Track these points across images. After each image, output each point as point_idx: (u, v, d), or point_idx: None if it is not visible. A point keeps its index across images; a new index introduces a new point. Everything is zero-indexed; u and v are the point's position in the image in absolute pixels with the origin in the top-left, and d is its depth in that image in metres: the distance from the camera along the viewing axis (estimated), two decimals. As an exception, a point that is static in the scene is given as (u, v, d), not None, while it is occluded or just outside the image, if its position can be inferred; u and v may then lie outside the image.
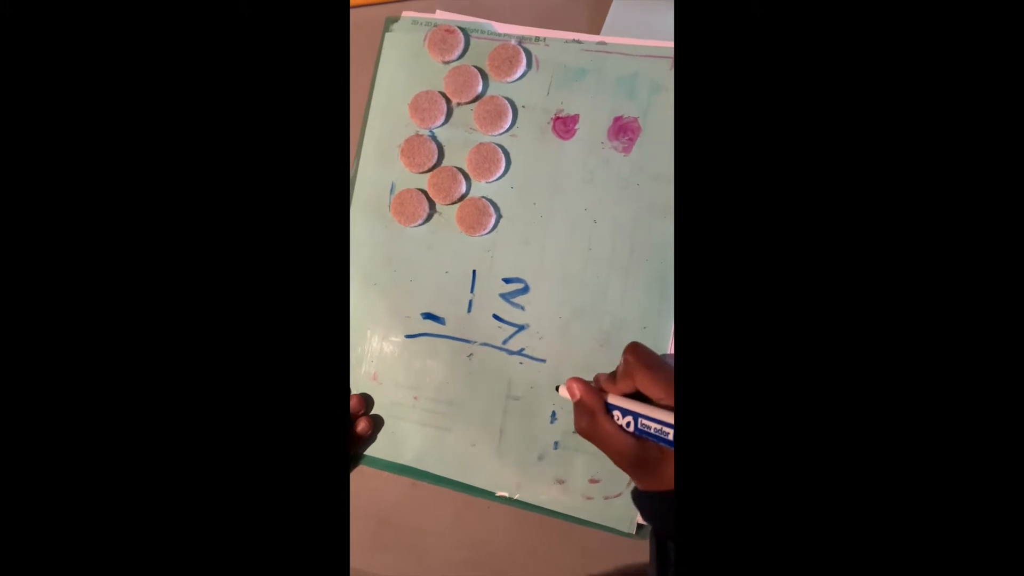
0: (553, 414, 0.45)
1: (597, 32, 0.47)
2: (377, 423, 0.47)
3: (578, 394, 0.38)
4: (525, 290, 0.46)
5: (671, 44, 0.45)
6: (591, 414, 0.37)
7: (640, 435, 0.35)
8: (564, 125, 0.47)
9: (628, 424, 0.36)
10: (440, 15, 0.49)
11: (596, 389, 0.38)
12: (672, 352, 0.44)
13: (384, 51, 0.50)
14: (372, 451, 0.47)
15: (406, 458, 0.47)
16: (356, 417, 0.47)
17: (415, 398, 0.47)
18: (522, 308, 0.46)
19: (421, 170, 0.48)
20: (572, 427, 0.44)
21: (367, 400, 0.48)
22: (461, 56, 0.48)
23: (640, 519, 0.42)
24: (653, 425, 0.34)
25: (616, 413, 0.37)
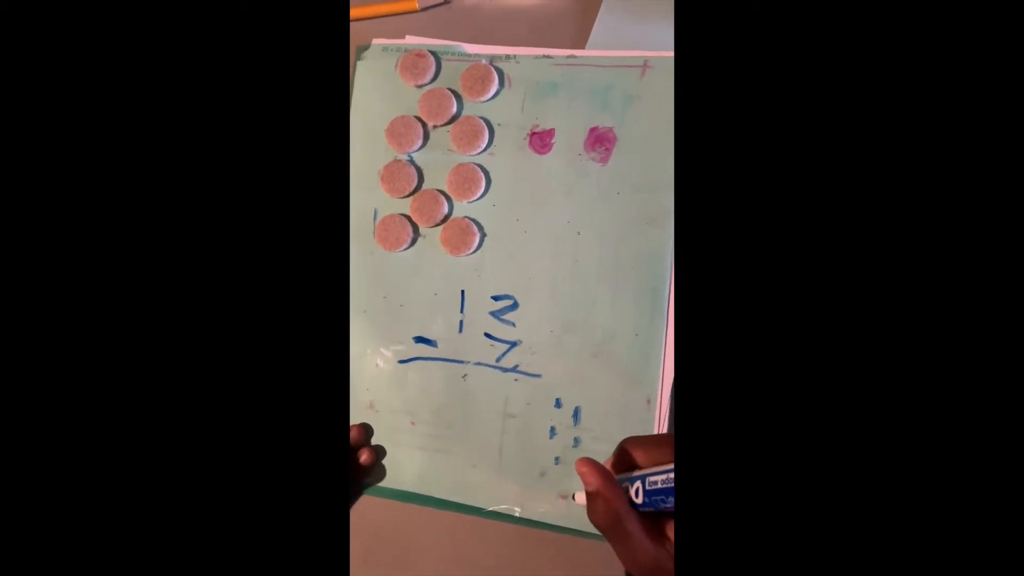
0: (552, 429, 0.45)
1: (582, 47, 0.47)
2: (379, 453, 0.47)
3: (595, 484, 0.30)
4: (514, 307, 0.46)
5: (641, 53, 0.46)
6: (614, 514, 0.30)
7: (648, 498, 0.30)
8: (540, 140, 0.47)
9: (636, 492, 0.31)
10: (410, 40, 0.50)
11: (613, 479, 0.31)
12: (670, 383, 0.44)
13: (357, 79, 0.50)
14: (374, 479, 0.47)
15: (407, 483, 0.46)
16: (359, 447, 0.46)
17: (412, 423, 0.47)
18: (513, 325, 0.46)
19: (402, 195, 0.48)
20: (572, 443, 0.44)
21: (367, 429, 0.47)
22: (434, 79, 0.49)
23: None
24: (660, 478, 0.29)
25: (624, 485, 0.31)
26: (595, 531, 0.45)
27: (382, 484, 0.47)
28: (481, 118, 0.47)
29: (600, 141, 0.46)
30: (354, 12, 0.51)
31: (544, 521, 0.44)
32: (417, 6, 0.50)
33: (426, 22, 0.50)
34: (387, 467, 0.47)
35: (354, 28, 0.51)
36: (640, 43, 0.46)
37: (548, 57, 0.47)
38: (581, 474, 0.31)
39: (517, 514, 0.45)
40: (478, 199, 0.47)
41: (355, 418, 0.48)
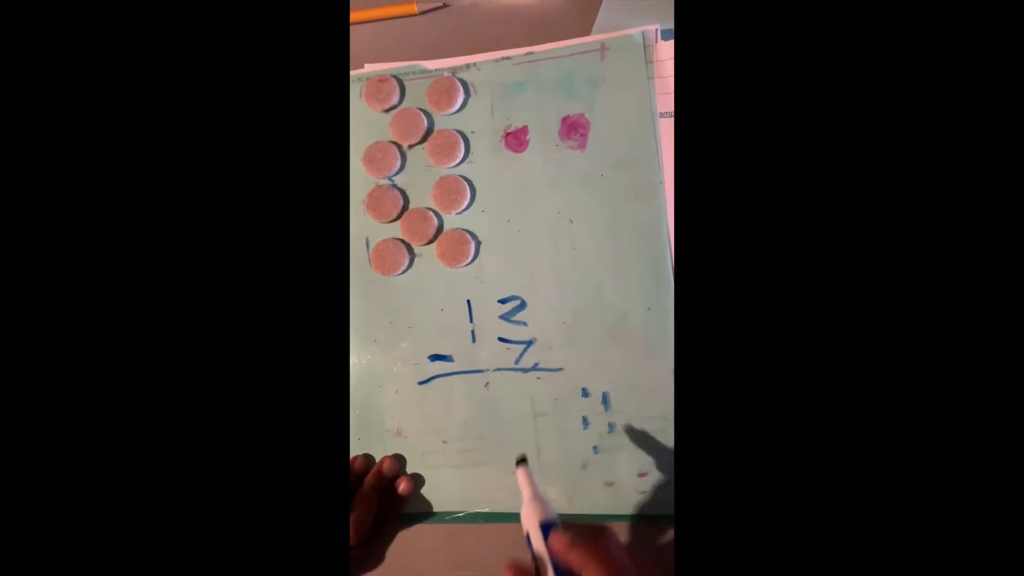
0: (584, 420, 0.44)
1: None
2: (417, 482, 0.46)
3: None
4: (523, 306, 0.46)
5: (596, 37, 0.46)
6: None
7: None
8: (516, 139, 0.47)
9: None
10: (368, 68, 0.50)
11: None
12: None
13: (324, 116, 0.50)
14: (413, 507, 0.46)
15: (450, 504, 0.46)
16: (395, 477, 0.46)
17: (444, 442, 0.46)
18: (525, 324, 0.46)
19: (390, 219, 0.48)
20: (607, 429, 0.44)
21: (400, 459, 0.47)
22: (400, 101, 0.49)
23: None
24: None
25: None
26: (649, 512, 0.44)
27: (424, 510, 0.46)
28: (454, 130, 0.47)
29: (574, 128, 0.46)
30: (354, 16, 0.51)
31: (594, 513, 0.44)
32: (416, 9, 0.50)
33: (378, 44, 0.51)
34: (427, 492, 0.46)
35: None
36: (651, 21, 0.46)
37: (507, 58, 0.48)
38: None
39: (566, 511, 0.44)
40: (466, 209, 0.47)
41: (384, 448, 0.47)
